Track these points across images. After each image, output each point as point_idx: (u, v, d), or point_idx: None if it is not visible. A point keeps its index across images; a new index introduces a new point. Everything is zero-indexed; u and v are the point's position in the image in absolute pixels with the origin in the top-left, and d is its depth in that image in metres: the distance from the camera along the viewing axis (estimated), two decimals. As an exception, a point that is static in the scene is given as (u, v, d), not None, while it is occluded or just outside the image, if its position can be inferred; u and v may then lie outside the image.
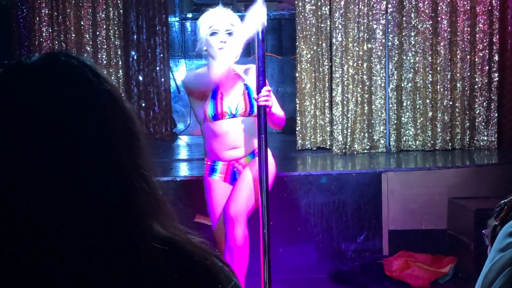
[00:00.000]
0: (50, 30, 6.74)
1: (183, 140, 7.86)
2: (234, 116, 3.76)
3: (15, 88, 0.99)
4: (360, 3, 6.58)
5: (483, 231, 1.91)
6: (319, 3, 6.64)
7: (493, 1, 6.64)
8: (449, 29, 6.63)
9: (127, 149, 1.02)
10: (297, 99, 6.78)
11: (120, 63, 7.09)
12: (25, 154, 0.94)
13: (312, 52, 6.68)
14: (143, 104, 7.48)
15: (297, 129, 6.79)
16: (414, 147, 6.71)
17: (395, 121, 6.72)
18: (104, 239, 0.95)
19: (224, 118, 3.75)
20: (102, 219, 0.96)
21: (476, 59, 6.69)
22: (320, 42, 6.67)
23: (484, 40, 6.66)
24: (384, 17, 6.63)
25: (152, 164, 1.06)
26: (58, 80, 0.99)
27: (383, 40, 6.64)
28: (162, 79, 7.66)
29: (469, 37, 6.65)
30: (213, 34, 3.68)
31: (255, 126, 3.68)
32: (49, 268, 0.93)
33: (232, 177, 3.87)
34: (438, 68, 6.67)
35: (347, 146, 6.65)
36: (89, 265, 0.95)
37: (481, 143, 6.73)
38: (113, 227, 0.97)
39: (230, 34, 3.70)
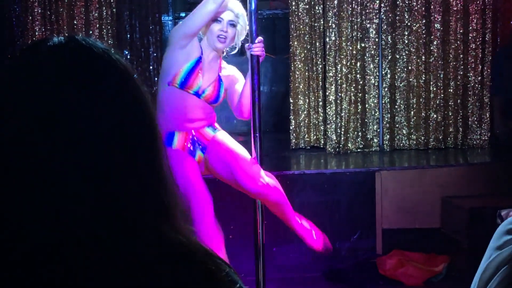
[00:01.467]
0: (43, 30, 6.73)
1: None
2: (198, 95, 3.69)
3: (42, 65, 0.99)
4: (353, 2, 6.60)
5: (499, 210, 1.95)
6: (312, 2, 6.66)
7: (486, 0, 6.66)
8: (442, 28, 6.66)
9: (155, 141, 1.02)
10: (290, 98, 6.79)
11: (113, 62, 7.07)
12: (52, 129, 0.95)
13: (305, 51, 6.70)
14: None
15: (290, 128, 6.81)
16: (407, 146, 6.74)
17: (389, 120, 6.74)
18: (111, 237, 0.95)
19: (189, 91, 3.66)
20: (110, 219, 0.96)
21: (469, 58, 6.71)
22: (313, 41, 6.69)
23: (477, 39, 6.69)
24: (377, 16, 6.65)
25: (167, 162, 1.04)
26: (93, 63, 1.00)
27: (377, 39, 6.66)
28: (156, 78, 7.64)
29: (462, 36, 6.68)
30: (216, 21, 3.63)
31: (213, 113, 3.81)
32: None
33: (193, 148, 3.74)
34: (431, 67, 6.70)
35: (340, 145, 6.66)
36: (97, 260, 0.94)
37: (474, 142, 6.76)
38: (122, 227, 0.96)
39: (233, 25, 3.68)
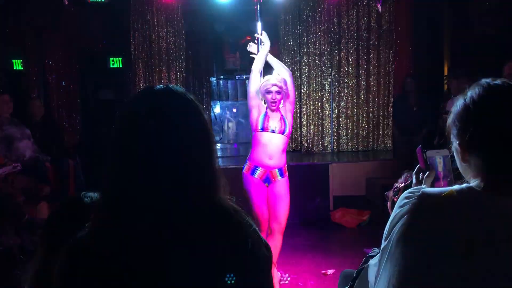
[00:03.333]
0: (146, 84, 6.70)
1: (218, 146, 7.83)
2: (273, 132, 3.29)
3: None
4: (316, 69, 6.60)
5: (385, 193, 1.93)
6: (294, 70, 6.66)
7: (389, 68, 6.65)
8: (365, 84, 6.66)
9: (209, 145, 0.99)
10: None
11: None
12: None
13: (290, 97, 6.68)
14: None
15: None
16: (347, 149, 6.72)
17: (336, 135, 6.73)
18: (190, 203, 0.93)
19: (267, 131, 3.29)
20: (199, 191, 0.94)
21: (381, 101, 6.70)
22: (296, 92, 6.68)
23: (385, 91, 6.67)
24: (330, 77, 6.65)
25: (217, 156, 1.01)
26: (177, 99, 0.98)
27: (330, 90, 6.66)
28: (206, 112, 7.66)
29: (377, 88, 6.67)
30: (268, 92, 3.28)
31: (285, 145, 3.33)
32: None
33: (265, 180, 3.35)
34: (359, 105, 6.69)
35: (309, 149, 6.66)
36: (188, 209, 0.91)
37: (384, 147, 6.74)
38: (198, 197, 0.94)
39: (278, 93, 3.28)
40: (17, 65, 6.65)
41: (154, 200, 0.90)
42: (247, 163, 3.38)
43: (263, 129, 3.29)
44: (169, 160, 0.91)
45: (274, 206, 3.34)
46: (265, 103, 3.34)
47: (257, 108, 3.32)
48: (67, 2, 5.50)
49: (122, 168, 0.92)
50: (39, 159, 4.93)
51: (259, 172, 3.33)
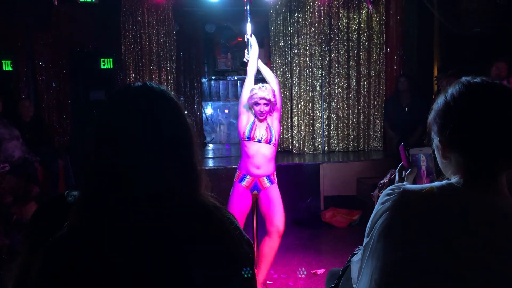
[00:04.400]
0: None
1: (210, 147, 7.85)
2: (259, 141, 3.27)
3: (130, 101, 0.95)
4: (307, 70, 6.61)
5: (371, 193, 1.95)
6: (285, 70, 6.66)
7: (380, 69, 6.67)
8: (356, 85, 6.68)
9: (190, 143, 0.98)
10: (273, 123, 6.78)
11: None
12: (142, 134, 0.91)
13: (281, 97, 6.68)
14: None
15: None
16: (337, 149, 6.73)
17: (326, 136, 6.74)
18: (179, 197, 0.93)
19: (253, 141, 3.27)
20: (180, 189, 0.94)
21: (372, 101, 6.73)
22: (286, 92, 6.69)
23: (376, 92, 6.70)
24: (320, 78, 6.66)
25: (199, 155, 1.00)
26: (156, 97, 0.97)
27: (320, 91, 6.67)
28: (198, 113, 7.65)
29: (368, 89, 6.69)
30: (256, 104, 3.23)
31: (272, 153, 3.30)
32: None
33: (253, 188, 3.34)
34: (350, 106, 6.70)
35: (300, 149, 6.67)
36: (168, 201, 0.90)
37: (375, 147, 6.76)
38: (176, 193, 0.93)
39: (266, 105, 3.23)
40: (7, 65, 6.60)
41: (133, 198, 0.89)
42: (237, 171, 3.37)
43: (249, 139, 3.27)
44: (148, 158, 0.90)
45: (268, 211, 3.34)
46: (252, 113, 3.33)
47: (246, 114, 3.32)
48: (56, 2, 5.46)
49: (100, 167, 0.91)
50: (28, 160, 4.89)
51: (247, 180, 3.32)
